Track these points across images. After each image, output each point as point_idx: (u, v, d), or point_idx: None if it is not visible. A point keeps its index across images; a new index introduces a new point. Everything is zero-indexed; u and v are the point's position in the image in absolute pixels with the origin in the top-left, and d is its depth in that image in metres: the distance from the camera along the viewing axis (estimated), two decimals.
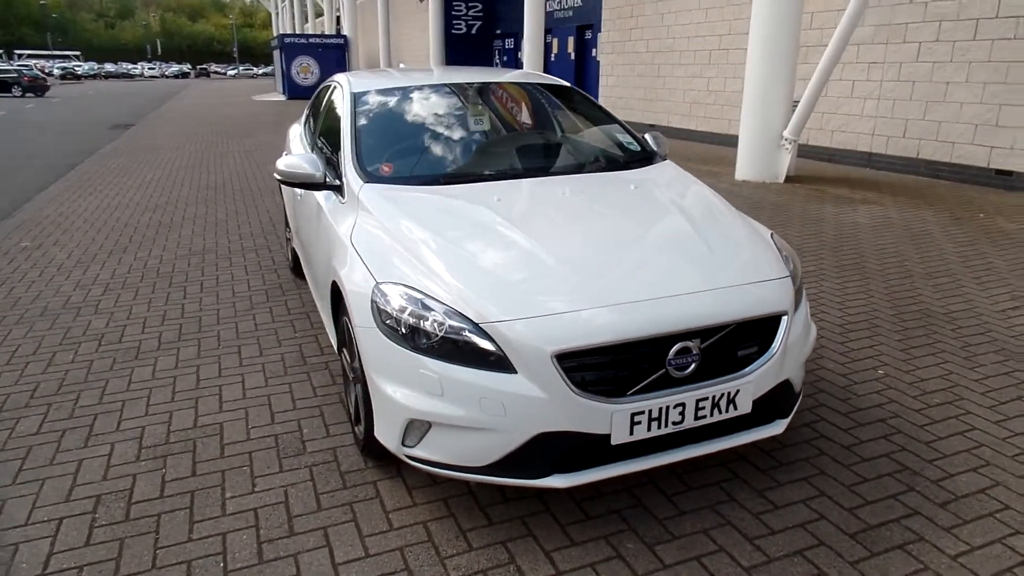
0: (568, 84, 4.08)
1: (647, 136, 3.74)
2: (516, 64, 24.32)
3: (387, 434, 2.39)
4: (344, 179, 3.10)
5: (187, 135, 15.78)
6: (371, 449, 2.68)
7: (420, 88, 3.76)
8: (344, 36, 30.74)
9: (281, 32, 39.33)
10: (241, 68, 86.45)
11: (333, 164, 3.33)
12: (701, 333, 2.25)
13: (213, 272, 5.33)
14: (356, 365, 2.68)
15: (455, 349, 2.20)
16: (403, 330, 2.29)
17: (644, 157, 3.49)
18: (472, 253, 2.46)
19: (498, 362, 2.16)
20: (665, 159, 3.49)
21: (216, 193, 8.60)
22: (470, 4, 26.38)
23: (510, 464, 2.20)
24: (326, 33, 37.54)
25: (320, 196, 3.33)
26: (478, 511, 2.46)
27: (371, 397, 2.44)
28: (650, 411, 2.20)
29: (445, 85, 3.81)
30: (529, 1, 14.05)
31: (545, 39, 22.60)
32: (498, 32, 25.86)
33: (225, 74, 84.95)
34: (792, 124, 8.23)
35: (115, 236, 6.49)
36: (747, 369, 2.34)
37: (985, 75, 7.94)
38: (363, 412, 2.59)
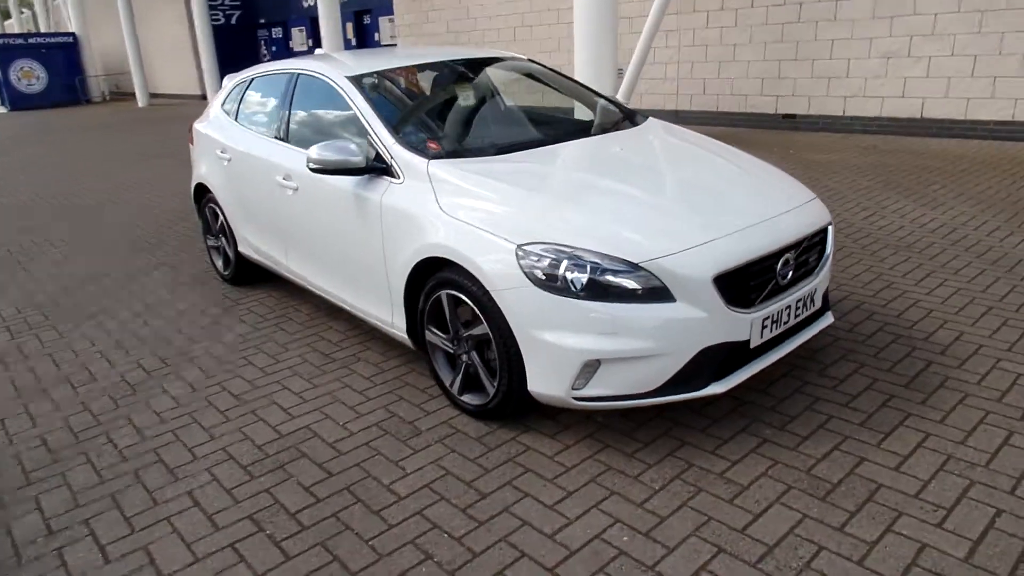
0: (533, 59, 4.33)
1: (617, 99, 4.14)
2: (288, 54, 23.30)
3: (551, 383, 2.57)
4: (393, 161, 3.11)
5: None
6: (498, 411, 2.83)
7: (409, 68, 3.78)
8: (72, 34, 27.05)
9: None
10: None
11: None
12: (794, 246, 2.73)
13: (129, 296, 4.81)
14: (474, 333, 2.79)
15: (616, 289, 2.45)
16: (561, 283, 2.48)
17: (630, 115, 3.88)
18: (589, 205, 2.70)
19: (658, 293, 2.45)
20: (647, 117, 3.92)
21: (25, 218, 7.47)
22: None
23: (677, 381, 2.52)
24: (41, 31, 32.66)
25: (350, 182, 3.26)
26: (627, 438, 2.74)
27: (524, 354, 2.59)
28: (772, 315, 2.64)
29: (433, 64, 3.88)
30: None
31: (319, 26, 22.04)
32: (262, 21, 24.51)
33: None
34: (622, 90, 9.10)
35: None
36: (817, 271, 2.88)
37: (765, 36, 9.43)
38: (502, 373, 2.71)
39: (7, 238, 6.69)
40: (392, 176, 3.11)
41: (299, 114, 3.84)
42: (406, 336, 3.21)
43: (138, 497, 2.61)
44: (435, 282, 2.90)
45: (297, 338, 3.93)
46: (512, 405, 2.78)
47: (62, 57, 26.66)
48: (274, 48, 24.50)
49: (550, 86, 4.13)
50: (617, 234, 2.54)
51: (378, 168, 3.15)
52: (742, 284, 2.56)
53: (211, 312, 4.42)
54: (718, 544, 2.16)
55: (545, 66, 4.29)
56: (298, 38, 23.01)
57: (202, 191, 4.87)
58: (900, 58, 8.26)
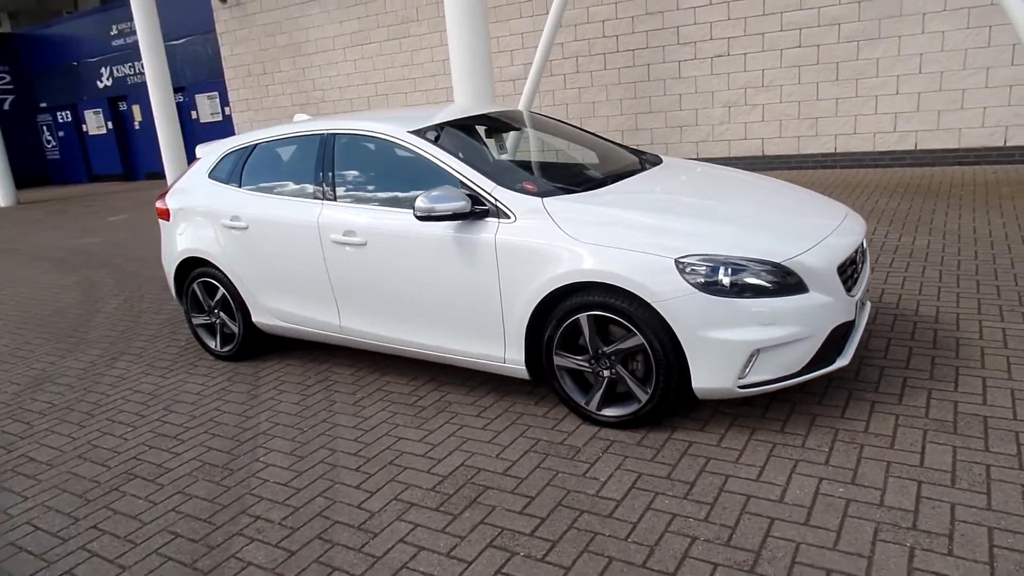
0: (536, 112, 4.68)
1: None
2: (80, 138, 21.41)
3: (719, 376, 2.89)
4: (498, 203, 3.30)
5: None
6: (650, 416, 3.09)
7: (452, 122, 3.95)
8: None
9: None
10: None
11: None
12: (861, 243, 3.34)
13: (114, 390, 4.34)
14: (622, 347, 3.04)
15: (765, 286, 2.87)
16: (720, 286, 2.85)
17: (642, 154, 4.37)
18: (711, 220, 3.10)
19: (797, 286, 2.91)
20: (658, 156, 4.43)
21: None
22: None
23: (816, 360, 2.96)
24: None
25: (451, 228, 3.36)
26: (765, 419, 3.13)
27: (688, 355, 2.90)
28: (861, 297, 3.21)
29: (469, 118, 4.09)
30: (150, 58, 12.78)
31: (119, 107, 20.55)
32: (43, 106, 22.28)
33: None
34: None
35: None
36: (866, 263, 3.52)
37: (620, 94, 10.61)
38: (659, 378, 2.98)
39: None
40: (500, 217, 3.30)
41: (347, 173, 3.86)
42: (524, 369, 3.36)
43: (350, 558, 2.50)
44: (570, 307, 3.12)
45: (363, 395, 3.85)
46: (667, 407, 3.05)
47: None
48: (61, 134, 22.33)
49: (565, 136, 4.52)
50: (752, 240, 2.98)
51: (479, 211, 3.32)
52: (843, 274, 3.10)
53: (238, 389, 4.14)
54: (915, 478, 2.60)
55: (552, 117, 4.69)
56: (94, 121, 21.22)
57: (189, 267, 4.57)
58: (739, 107, 9.75)
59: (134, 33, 17.82)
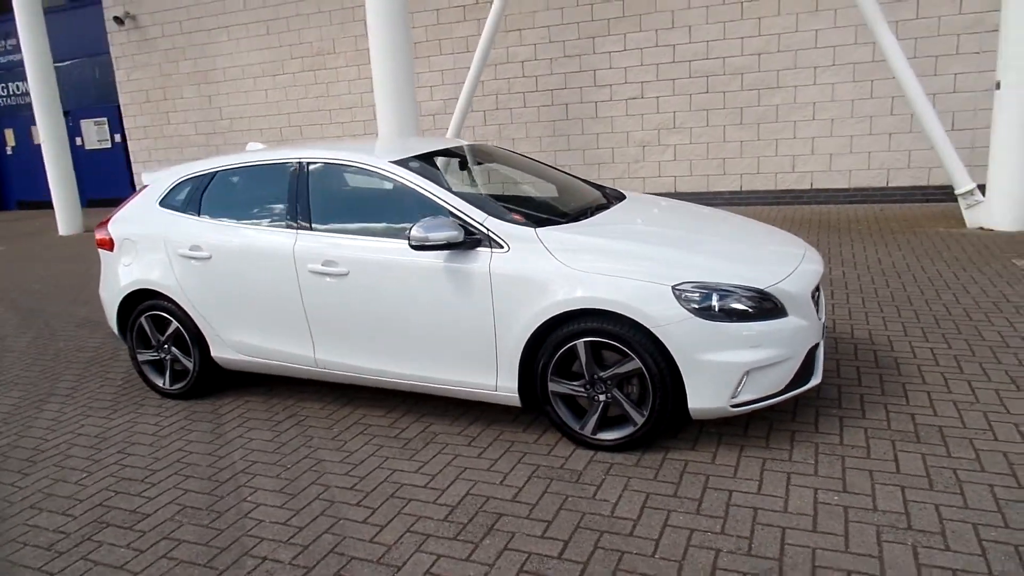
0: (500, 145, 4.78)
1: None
2: None
3: (714, 397, 3.06)
4: (491, 232, 3.36)
5: None
6: (647, 438, 3.21)
7: (427, 155, 3.98)
8: None
9: None
10: None
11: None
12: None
13: (54, 435, 4.00)
14: (619, 371, 3.16)
15: (752, 311, 3.09)
16: (716, 311, 3.04)
17: (602, 188, 4.56)
18: (696, 250, 3.30)
19: (777, 311, 3.14)
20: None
21: None
22: None
23: (796, 379, 3.20)
24: None
25: (441, 257, 3.38)
26: (748, 436, 3.32)
27: (685, 377, 3.05)
28: (824, 321, 3.50)
29: (438, 151, 4.13)
30: (37, 80, 11.96)
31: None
32: None
33: None
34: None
35: None
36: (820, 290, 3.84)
37: (539, 131, 10.94)
38: (655, 400, 3.11)
39: None
40: (493, 246, 3.36)
41: (324, 202, 3.80)
42: (516, 396, 3.40)
43: None
44: (567, 334, 3.21)
45: (341, 430, 3.75)
46: (662, 429, 3.18)
47: None
48: None
49: (530, 171, 4.64)
50: (737, 269, 3.19)
51: (471, 241, 3.37)
52: (813, 299, 3.38)
53: (200, 428, 3.92)
54: (897, 483, 2.85)
55: (517, 152, 4.80)
56: None
57: (136, 300, 4.31)
58: (653, 146, 10.30)
59: (11, 52, 16.70)
